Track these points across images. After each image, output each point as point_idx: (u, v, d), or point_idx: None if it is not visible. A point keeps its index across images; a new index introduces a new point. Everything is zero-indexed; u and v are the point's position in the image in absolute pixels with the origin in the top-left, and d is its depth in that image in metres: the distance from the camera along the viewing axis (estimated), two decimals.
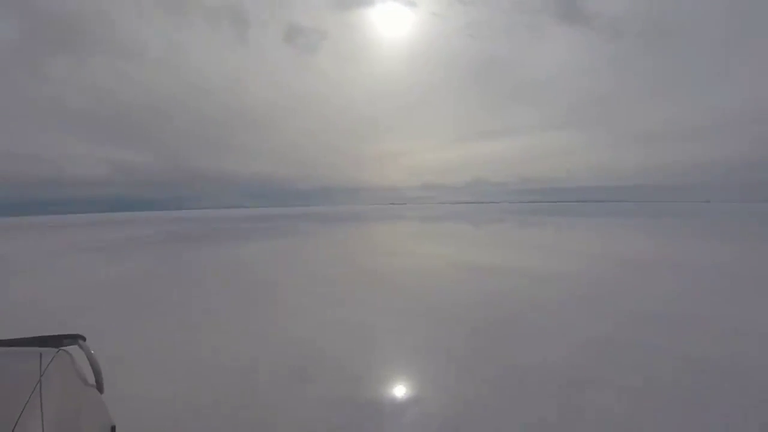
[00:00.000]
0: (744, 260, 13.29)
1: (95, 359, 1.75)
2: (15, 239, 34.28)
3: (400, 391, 4.22)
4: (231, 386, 4.40)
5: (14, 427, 0.79)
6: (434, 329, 6.28)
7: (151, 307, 8.11)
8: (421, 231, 30.70)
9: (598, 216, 51.23)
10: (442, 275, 11.25)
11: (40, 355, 1.42)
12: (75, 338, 1.74)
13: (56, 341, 1.64)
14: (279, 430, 3.56)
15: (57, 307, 8.45)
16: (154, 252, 18.98)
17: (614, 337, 5.73)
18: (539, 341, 5.63)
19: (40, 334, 1.71)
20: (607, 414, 3.68)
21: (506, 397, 3.99)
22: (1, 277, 12.92)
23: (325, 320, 6.88)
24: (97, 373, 1.72)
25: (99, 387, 1.70)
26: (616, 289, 9.17)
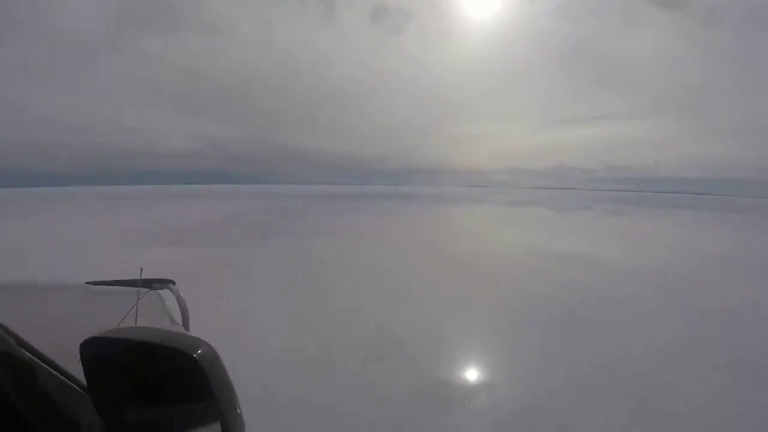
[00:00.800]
0: None
1: (183, 301, 2.08)
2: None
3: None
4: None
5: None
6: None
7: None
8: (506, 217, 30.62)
9: (685, 208, 50.66)
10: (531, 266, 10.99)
11: (137, 293, 1.69)
12: (166, 282, 2.07)
13: (149, 284, 1.95)
14: None
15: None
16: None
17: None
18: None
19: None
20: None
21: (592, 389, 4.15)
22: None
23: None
24: (184, 313, 2.04)
25: (185, 325, 1.99)
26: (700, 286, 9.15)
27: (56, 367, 0.84)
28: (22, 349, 0.76)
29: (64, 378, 0.85)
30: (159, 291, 2.04)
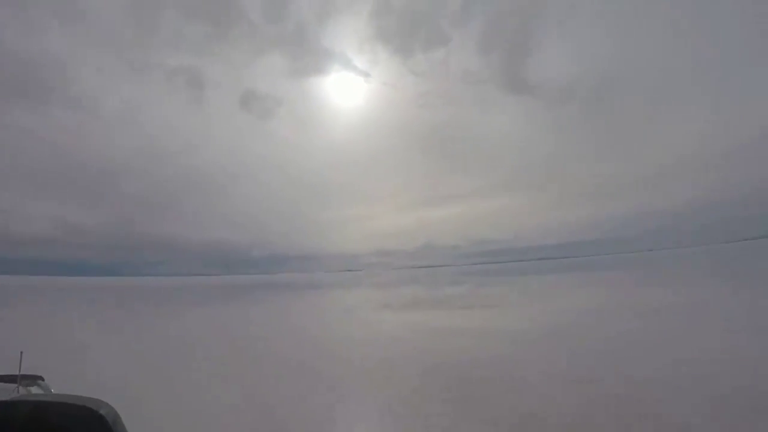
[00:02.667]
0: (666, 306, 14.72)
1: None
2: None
3: None
4: None
5: None
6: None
7: None
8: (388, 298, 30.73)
9: (543, 273, 54.30)
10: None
11: (7, 389, 1.69)
12: (35, 378, 2.05)
13: (15, 380, 1.83)
14: None
15: None
16: None
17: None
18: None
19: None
20: None
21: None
22: None
23: None
24: None
25: None
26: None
27: None
28: None
29: None
30: (29, 387, 1.96)
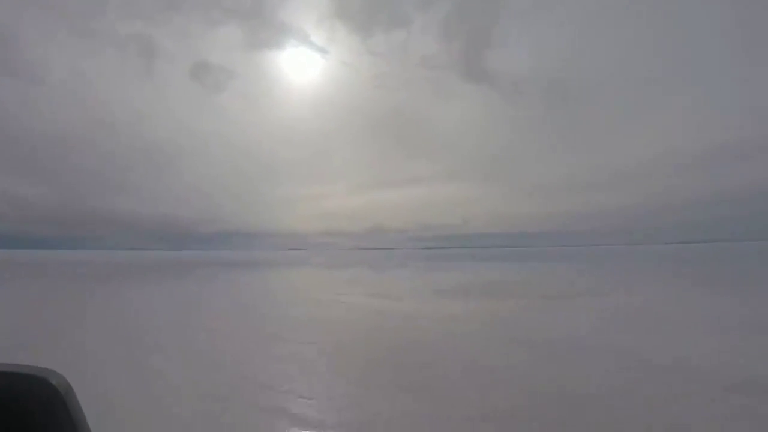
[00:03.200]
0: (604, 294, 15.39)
1: None
2: None
3: None
4: None
5: None
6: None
7: None
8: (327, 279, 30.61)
9: (488, 260, 56.09)
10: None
11: None
12: None
13: None
14: None
15: None
16: None
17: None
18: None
19: None
20: None
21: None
22: None
23: None
24: None
25: None
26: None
27: None
28: None
29: None
30: None
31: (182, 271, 40.06)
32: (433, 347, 8.59)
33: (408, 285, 23.63)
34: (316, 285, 24.99)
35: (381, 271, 37.12)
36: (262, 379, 6.75)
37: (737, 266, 32.17)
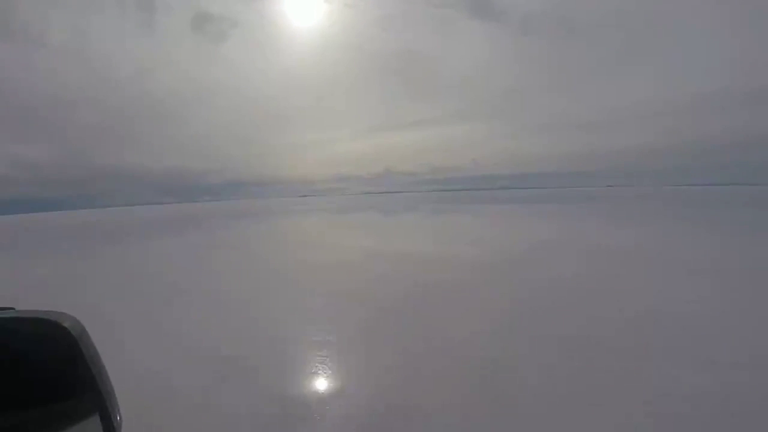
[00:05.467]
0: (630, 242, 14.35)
1: None
2: None
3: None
4: None
5: None
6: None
7: None
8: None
9: (502, 203, 54.57)
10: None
11: None
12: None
13: None
14: None
15: None
16: None
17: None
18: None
19: None
20: None
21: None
22: None
23: None
24: None
25: None
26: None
27: None
28: None
29: None
30: None
31: (192, 223, 39.82)
32: (440, 289, 8.46)
33: (418, 230, 23.26)
34: (326, 231, 24.74)
35: (390, 215, 36.64)
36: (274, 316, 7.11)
37: (741, 210, 30.64)
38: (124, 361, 4.92)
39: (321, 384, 4.48)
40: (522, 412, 3.69)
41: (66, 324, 0.78)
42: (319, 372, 4.76)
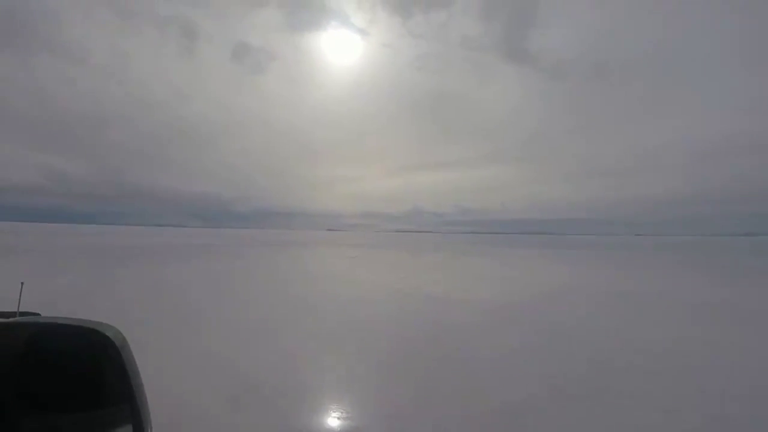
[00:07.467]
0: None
1: None
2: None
3: None
4: None
5: None
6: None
7: None
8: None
9: (529, 247, 53.85)
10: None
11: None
12: (33, 315, 1.71)
13: (13, 315, 1.66)
14: None
15: None
16: None
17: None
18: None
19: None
20: None
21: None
22: None
23: None
24: None
25: None
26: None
27: None
28: None
29: None
30: None
31: (218, 249, 40.65)
32: (458, 331, 8.61)
33: (442, 270, 23.27)
34: (352, 265, 24.89)
35: (417, 255, 36.65)
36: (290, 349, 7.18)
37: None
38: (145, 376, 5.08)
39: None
40: None
41: (109, 333, 0.82)
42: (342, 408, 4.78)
